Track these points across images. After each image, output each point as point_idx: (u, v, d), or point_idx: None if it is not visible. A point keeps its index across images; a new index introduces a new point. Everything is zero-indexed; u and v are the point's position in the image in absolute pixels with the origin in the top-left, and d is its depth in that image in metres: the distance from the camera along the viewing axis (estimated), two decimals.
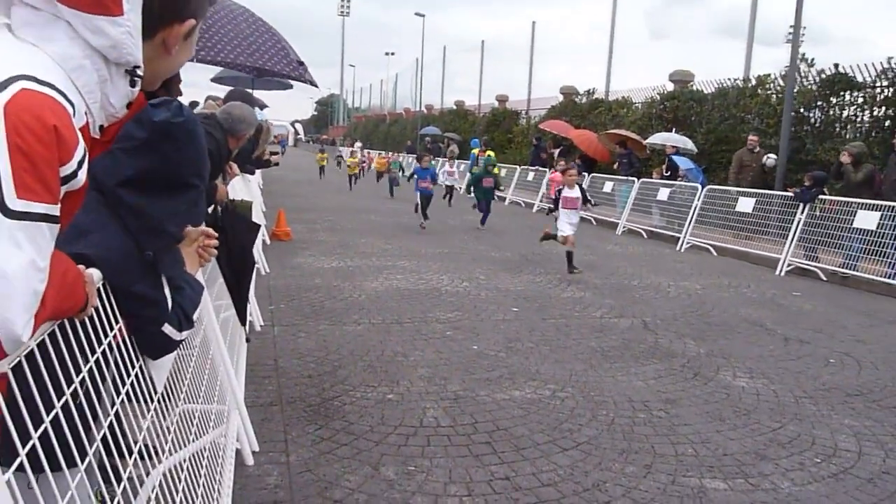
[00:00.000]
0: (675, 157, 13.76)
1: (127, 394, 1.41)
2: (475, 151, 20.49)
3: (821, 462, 3.49)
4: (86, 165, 0.97)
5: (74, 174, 0.94)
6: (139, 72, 1.06)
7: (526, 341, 5.42)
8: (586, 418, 3.90)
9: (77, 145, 0.93)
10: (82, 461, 1.15)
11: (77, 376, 1.13)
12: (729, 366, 5.04)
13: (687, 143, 14.63)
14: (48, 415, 1.02)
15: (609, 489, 3.08)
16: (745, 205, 11.30)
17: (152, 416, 1.59)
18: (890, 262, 8.67)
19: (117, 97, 1.05)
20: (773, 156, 12.38)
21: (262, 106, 16.99)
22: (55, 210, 0.90)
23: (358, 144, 42.48)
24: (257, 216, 7.82)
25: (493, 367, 4.73)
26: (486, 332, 5.64)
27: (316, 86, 3.69)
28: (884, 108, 12.43)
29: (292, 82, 3.89)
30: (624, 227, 13.89)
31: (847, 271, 9.19)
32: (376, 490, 2.97)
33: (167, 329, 1.45)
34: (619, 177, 15.19)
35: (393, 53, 76.57)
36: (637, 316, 6.48)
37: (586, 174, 16.21)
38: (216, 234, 1.68)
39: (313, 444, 3.40)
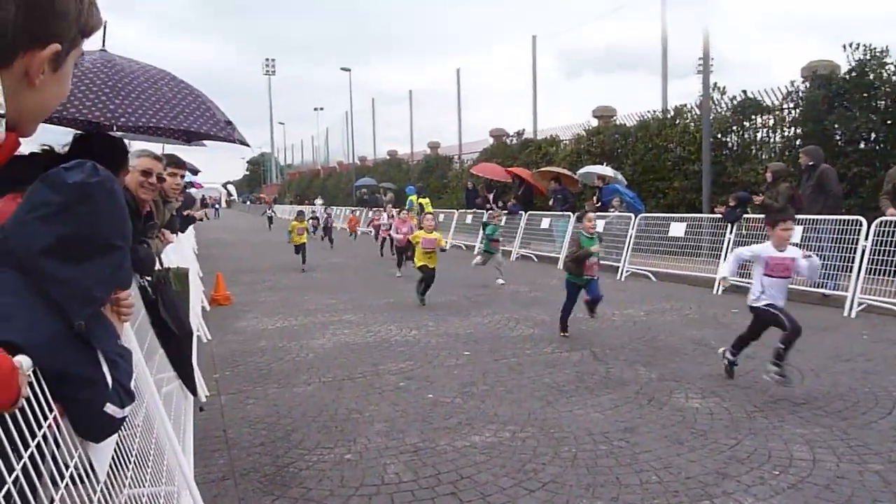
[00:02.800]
0: (618, 188, 14.18)
1: (66, 486, 1.31)
2: (412, 198, 20.73)
3: (779, 474, 3.55)
4: None
5: None
6: (0, 110, 0.95)
7: (481, 384, 5.38)
8: (549, 456, 3.87)
9: None
10: None
11: (10, 476, 1.04)
12: (681, 388, 5.13)
13: (607, 171, 15.14)
14: None
15: None
16: (678, 229, 11.70)
17: None
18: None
19: None
20: None
21: (195, 171, 16.71)
22: None
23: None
24: (194, 282, 7.60)
25: (450, 415, 4.66)
26: (439, 379, 5.58)
27: (247, 145, 3.62)
28: (792, 129, 13.20)
29: (191, 140, 3.80)
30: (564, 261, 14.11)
31: None
32: None
33: (109, 408, 1.36)
34: (555, 212, 15.53)
35: (322, 108, 76.91)
36: (586, 348, 6.55)
37: (523, 212, 16.51)
38: (125, 288, 1.60)
39: None
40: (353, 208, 28.57)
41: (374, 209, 22.15)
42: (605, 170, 15.38)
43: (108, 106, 2.78)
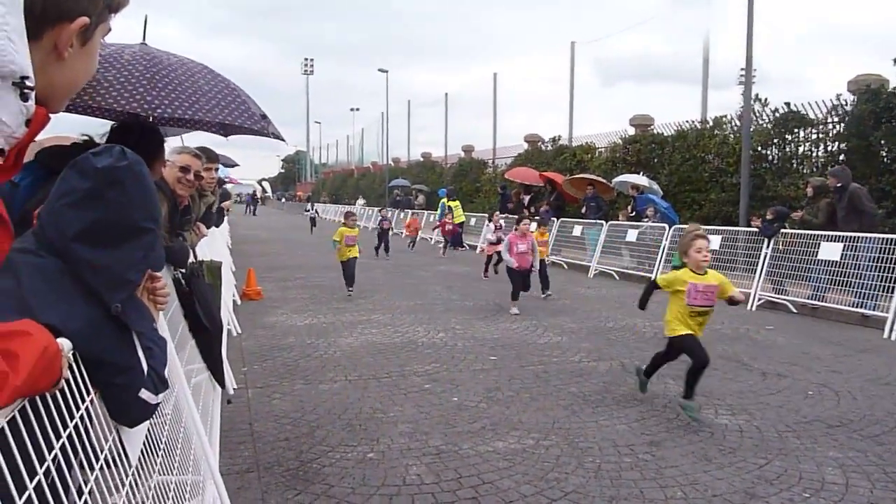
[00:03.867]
0: (652, 198, 14.01)
1: (100, 468, 1.34)
2: (444, 201, 20.78)
3: (809, 497, 3.46)
4: None
5: None
6: (28, 83, 0.94)
7: (506, 390, 5.36)
8: (572, 466, 3.84)
9: None
10: None
11: (49, 454, 1.07)
12: (710, 404, 5.04)
13: (642, 181, 14.96)
14: (20, 497, 0.96)
15: None
16: (713, 242, 11.50)
17: (127, 492, 1.51)
18: (856, 292, 8.86)
19: (8, 114, 0.94)
20: None
21: (232, 164, 16.85)
22: None
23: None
24: (226, 276, 7.72)
25: (474, 419, 4.65)
26: (465, 382, 5.57)
27: (282, 139, 3.65)
28: (837, 143, 12.89)
29: (228, 133, 3.81)
30: (595, 269, 14.01)
31: (816, 302, 9.36)
32: None
33: (144, 394, 1.39)
34: (588, 220, 15.42)
35: (358, 109, 77.37)
36: (615, 358, 6.48)
37: (555, 219, 16.41)
38: (160, 276, 1.63)
39: None
40: (411, 210, 26.72)
41: (449, 212, 19.40)
42: (641, 179, 15.21)
43: (145, 98, 2.84)
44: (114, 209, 1.33)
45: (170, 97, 2.91)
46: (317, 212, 33.12)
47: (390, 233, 17.95)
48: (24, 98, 0.94)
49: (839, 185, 9.48)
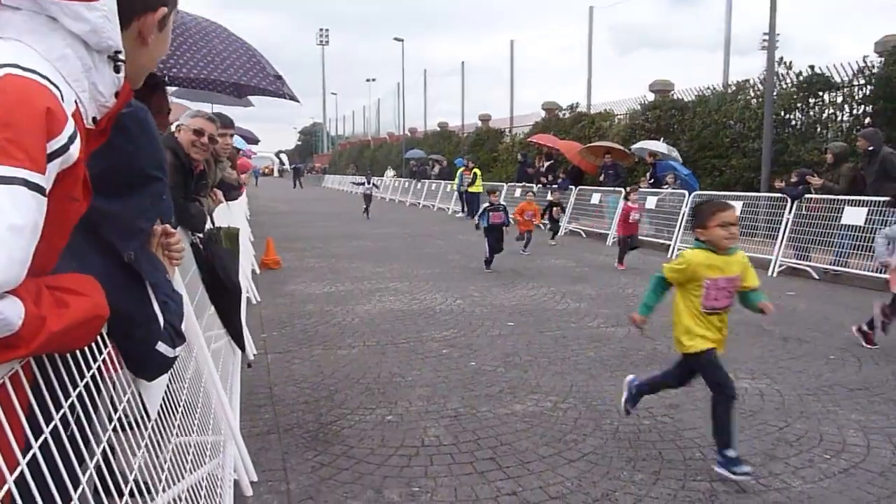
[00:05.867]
0: (672, 164, 13.82)
1: (120, 421, 1.35)
2: (461, 170, 20.66)
3: (830, 458, 3.44)
4: (78, 142, 1.00)
5: (66, 148, 0.96)
6: (121, 56, 1.10)
7: (524, 355, 5.36)
8: (590, 428, 3.85)
9: (66, 121, 0.97)
10: (76, 492, 1.09)
11: (66, 401, 1.07)
12: (730, 368, 4.96)
13: (661, 147, 14.73)
14: (37, 443, 0.97)
15: (619, 498, 3.02)
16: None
17: (145, 451, 1.52)
18: None
19: (104, 84, 1.09)
20: None
21: (255, 140, 16.74)
22: (38, 179, 0.90)
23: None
24: (244, 244, 7.76)
25: (492, 383, 4.67)
26: (482, 348, 5.58)
27: (296, 100, 3.64)
28: (863, 107, 12.58)
29: (250, 99, 3.82)
30: (613, 237, 13.90)
31: (838, 268, 9.22)
32: None
33: (161, 347, 1.40)
34: (606, 188, 15.26)
35: (374, 80, 76.99)
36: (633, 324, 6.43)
37: (573, 187, 16.27)
38: (174, 232, 1.64)
39: (313, 470, 3.32)
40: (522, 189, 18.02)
41: (633, 187, 12.02)
42: (660, 145, 15.00)
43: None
44: (122, 156, 1.33)
45: (185, 56, 2.90)
46: (374, 185, 23.00)
47: (506, 229, 10.12)
48: (117, 70, 1.11)
49: (871, 147, 9.21)
